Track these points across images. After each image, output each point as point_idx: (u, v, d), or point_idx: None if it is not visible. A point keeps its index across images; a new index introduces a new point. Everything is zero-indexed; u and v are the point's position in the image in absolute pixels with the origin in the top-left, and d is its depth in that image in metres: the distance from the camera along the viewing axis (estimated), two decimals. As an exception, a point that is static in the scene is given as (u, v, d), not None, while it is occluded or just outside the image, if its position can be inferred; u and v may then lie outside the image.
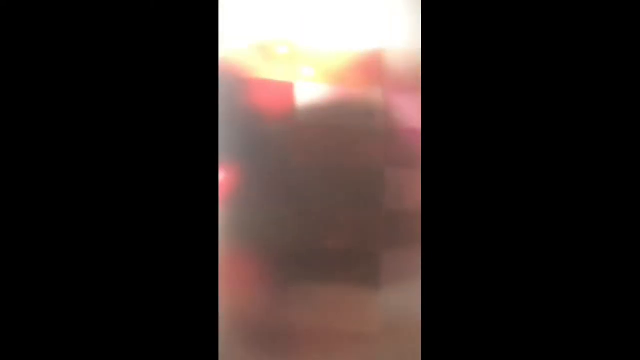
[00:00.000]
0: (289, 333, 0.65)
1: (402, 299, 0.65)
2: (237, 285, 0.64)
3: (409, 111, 0.64)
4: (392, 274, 0.65)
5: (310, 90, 0.64)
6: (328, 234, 0.64)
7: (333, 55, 0.65)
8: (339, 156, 0.65)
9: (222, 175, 0.57)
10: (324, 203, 0.64)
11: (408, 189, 0.65)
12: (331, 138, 0.65)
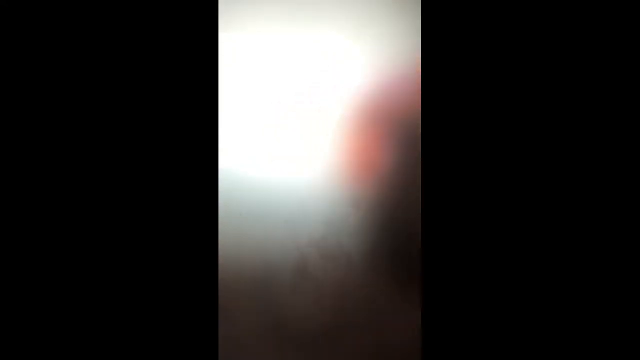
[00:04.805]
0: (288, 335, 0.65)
1: (402, 300, 0.65)
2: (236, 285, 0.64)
3: None
4: (393, 275, 0.65)
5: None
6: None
7: None
8: None
9: None
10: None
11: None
12: None
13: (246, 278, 0.65)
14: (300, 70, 0.66)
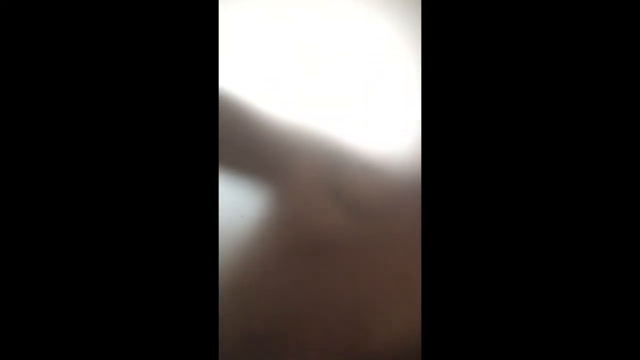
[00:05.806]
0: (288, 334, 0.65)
1: (401, 299, 0.65)
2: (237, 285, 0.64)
3: None
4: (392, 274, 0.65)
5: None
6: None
7: None
8: None
9: None
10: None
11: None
12: None
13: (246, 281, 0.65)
14: (299, 70, 0.66)
